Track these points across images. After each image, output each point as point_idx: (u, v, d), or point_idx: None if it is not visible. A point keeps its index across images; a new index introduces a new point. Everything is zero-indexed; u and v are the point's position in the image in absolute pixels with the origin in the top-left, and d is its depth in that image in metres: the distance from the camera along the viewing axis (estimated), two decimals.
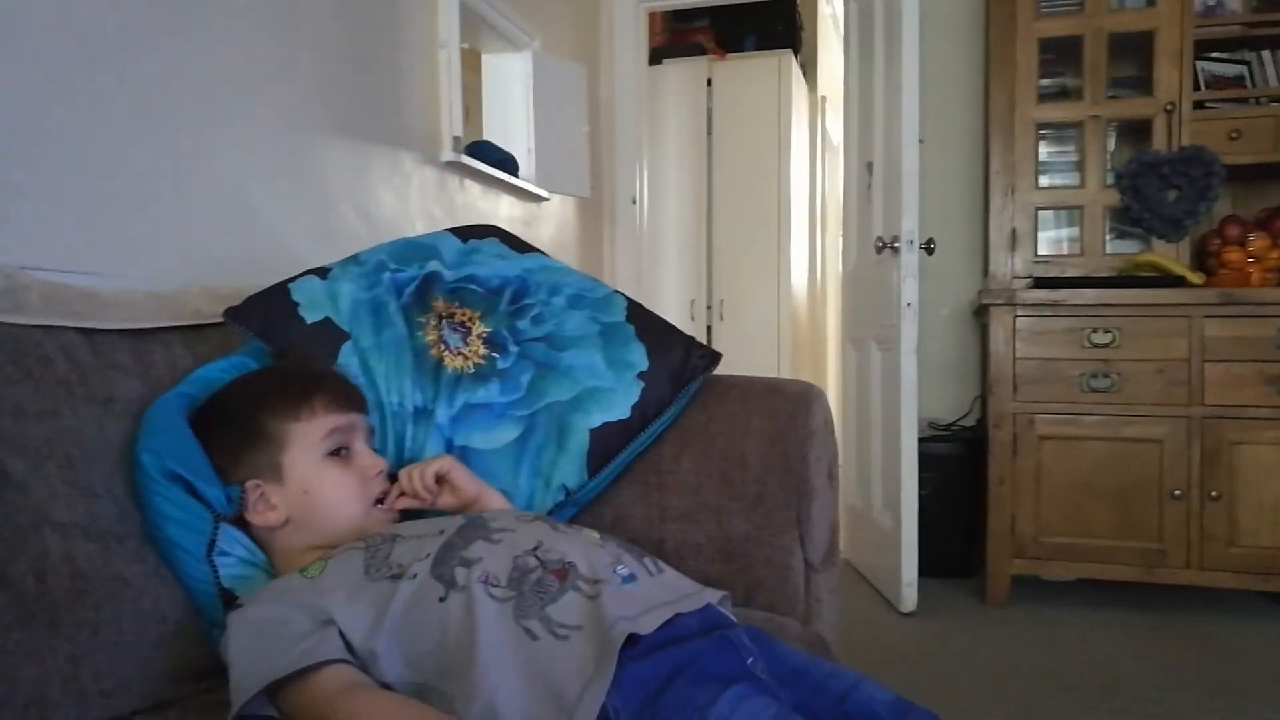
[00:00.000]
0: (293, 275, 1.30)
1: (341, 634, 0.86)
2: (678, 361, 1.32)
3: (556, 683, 0.80)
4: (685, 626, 0.88)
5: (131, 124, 1.44)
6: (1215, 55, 3.07)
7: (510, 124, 2.96)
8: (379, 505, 1.11)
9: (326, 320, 1.24)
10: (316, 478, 1.06)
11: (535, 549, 0.92)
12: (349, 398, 1.13)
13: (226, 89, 1.65)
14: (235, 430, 1.06)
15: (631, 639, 0.82)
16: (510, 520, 0.99)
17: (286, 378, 1.11)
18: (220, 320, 1.25)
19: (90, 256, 1.35)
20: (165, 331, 1.20)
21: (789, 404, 1.32)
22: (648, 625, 0.84)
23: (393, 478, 1.16)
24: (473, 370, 1.27)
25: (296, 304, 1.24)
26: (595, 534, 1.00)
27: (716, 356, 1.36)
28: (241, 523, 1.05)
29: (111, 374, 1.08)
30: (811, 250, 5.36)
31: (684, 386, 1.32)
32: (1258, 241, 2.84)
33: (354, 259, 1.34)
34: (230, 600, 0.98)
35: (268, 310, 1.23)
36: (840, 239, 3.92)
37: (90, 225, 1.37)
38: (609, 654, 0.80)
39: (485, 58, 2.97)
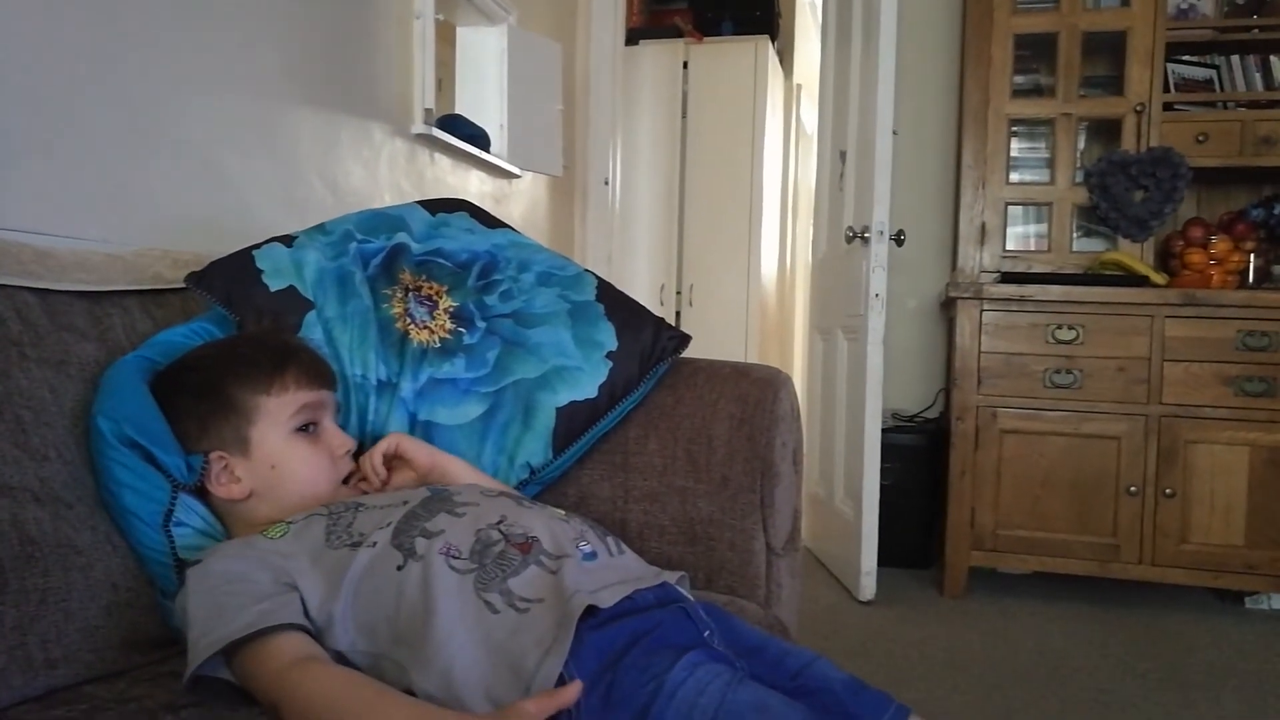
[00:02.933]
0: (257, 242, 1.27)
1: (301, 600, 0.85)
2: (647, 342, 1.32)
3: (515, 653, 0.79)
4: (643, 599, 0.89)
5: (97, 84, 1.40)
6: (1186, 58, 3.11)
7: (483, 99, 2.92)
8: (345, 485, 1.09)
9: (291, 289, 1.22)
10: (285, 454, 1.05)
11: (499, 523, 0.91)
12: (320, 373, 1.11)
13: (196, 51, 1.61)
14: (201, 399, 1.04)
15: (590, 611, 0.82)
16: (475, 495, 0.98)
17: (258, 349, 1.08)
18: (181, 285, 1.22)
19: (47, 215, 1.32)
20: (123, 295, 1.17)
21: (756, 388, 1.31)
22: (607, 599, 0.84)
23: (357, 450, 1.14)
24: (438, 345, 1.25)
25: (261, 271, 1.22)
26: (560, 511, 1.00)
27: (685, 338, 1.35)
28: (200, 493, 1.03)
29: (66, 336, 1.05)
30: (782, 238, 5.37)
31: (652, 368, 1.31)
32: (1220, 244, 2.88)
33: (320, 228, 1.32)
34: (185, 570, 0.96)
35: (231, 276, 1.21)
36: (811, 228, 3.93)
37: (48, 183, 1.33)
38: (567, 624, 0.80)
39: (460, 30, 2.93)
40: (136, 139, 1.49)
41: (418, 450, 1.14)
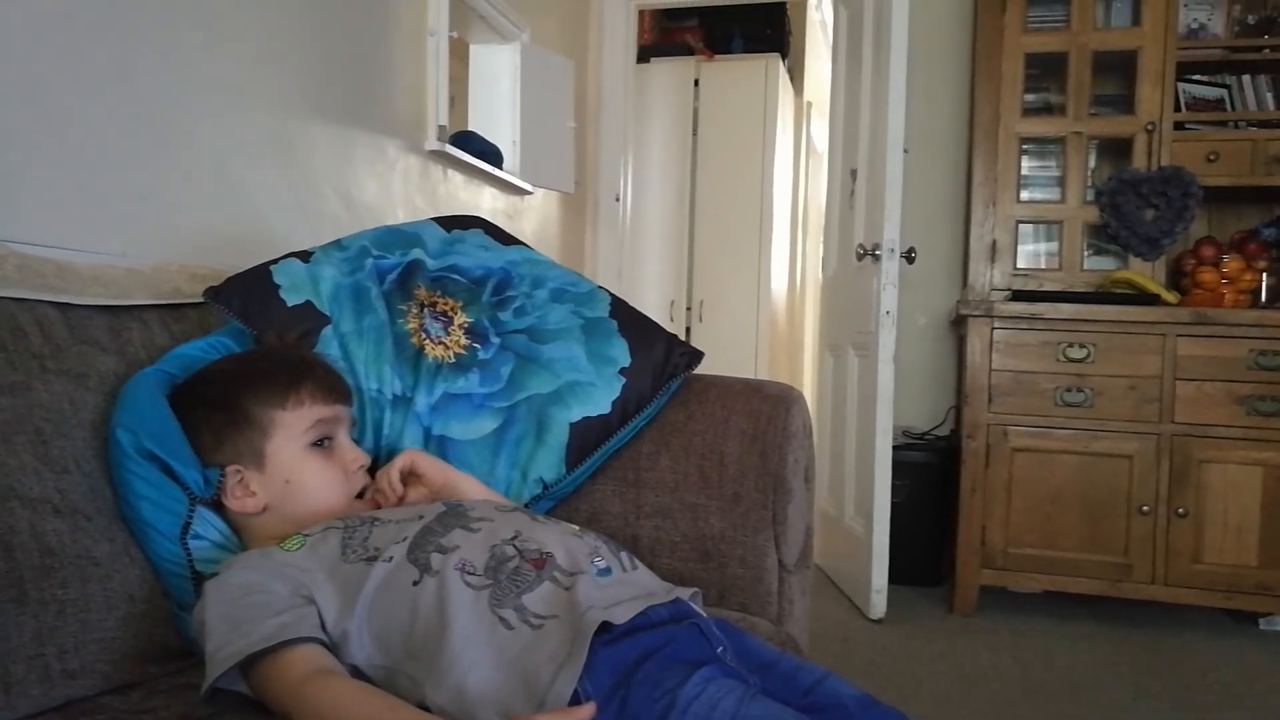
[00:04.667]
0: (274, 257, 1.28)
1: (317, 613, 0.86)
2: (659, 358, 1.32)
3: (529, 670, 0.80)
4: (656, 615, 0.89)
5: (117, 99, 1.42)
6: (1196, 77, 3.12)
7: (496, 116, 2.94)
8: (359, 499, 1.10)
9: (307, 304, 1.23)
10: (299, 468, 1.05)
11: (513, 539, 0.92)
12: (335, 388, 1.12)
13: (214, 66, 1.63)
14: (218, 412, 1.05)
15: (604, 626, 0.82)
16: (489, 510, 0.98)
17: (274, 363, 1.10)
18: (199, 300, 1.24)
19: (68, 230, 1.33)
20: (143, 309, 1.19)
21: (769, 405, 1.32)
22: (620, 616, 0.84)
23: (372, 470, 1.15)
24: (453, 360, 1.26)
25: (278, 286, 1.23)
26: (574, 527, 1.01)
27: (698, 355, 1.36)
28: (217, 506, 1.04)
29: (86, 349, 1.06)
30: (792, 255, 5.38)
31: (665, 384, 1.32)
32: (1232, 263, 2.88)
33: (337, 244, 1.33)
34: (202, 582, 0.96)
35: (248, 291, 1.22)
36: (821, 245, 3.93)
37: (68, 198, 1.34)
38: (582, 640, 0.80)
39: (473, 48, 2.95)
40: (155, 154, 1.51)
41: (431, 467, 1.14)
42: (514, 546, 0.90)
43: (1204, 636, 2.69)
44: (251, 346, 1.18)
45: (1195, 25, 3.11)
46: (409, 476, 1.13)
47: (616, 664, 0.81)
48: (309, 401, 1.06)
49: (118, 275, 1.18)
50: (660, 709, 0.77)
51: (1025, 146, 3.20)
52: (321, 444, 1.08)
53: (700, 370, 1.38)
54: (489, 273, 1.35)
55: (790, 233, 5.30)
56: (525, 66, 2.93)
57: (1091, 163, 3.21)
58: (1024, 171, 3.22)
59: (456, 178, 2.63)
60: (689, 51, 4.71)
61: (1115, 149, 3.18)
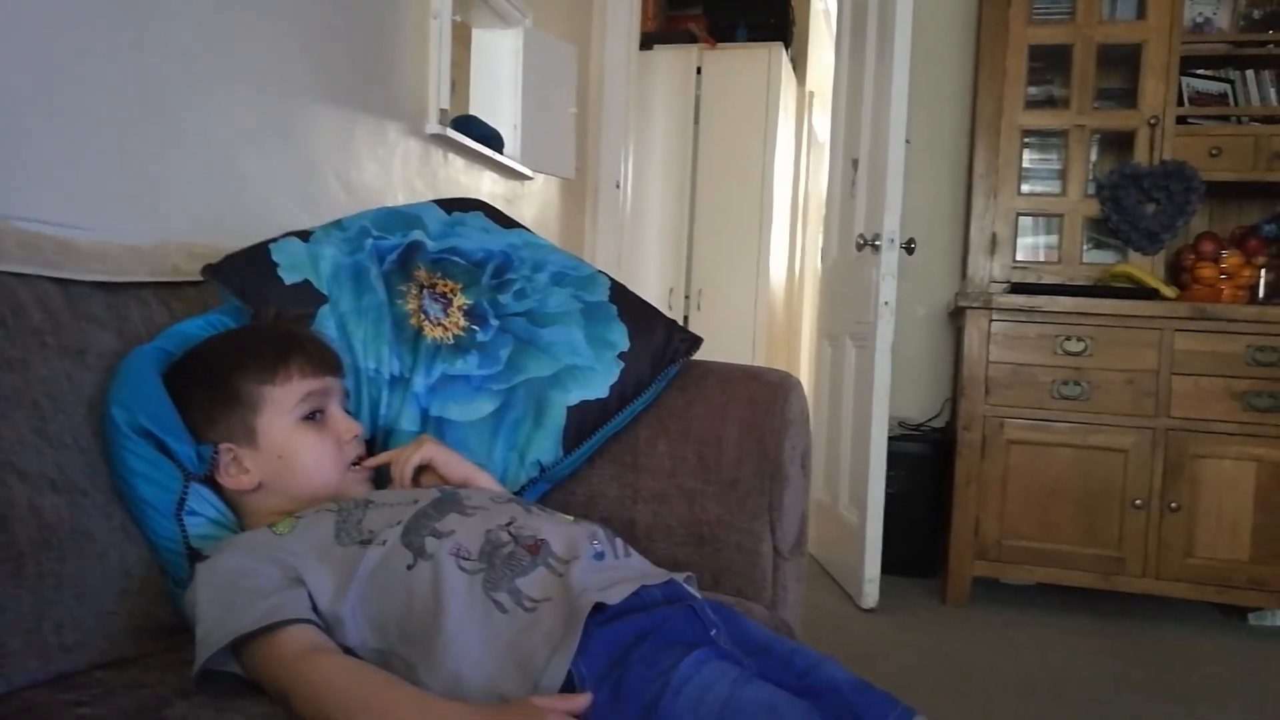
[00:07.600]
0: (274, 236, 1.28)
1: (309, 596, 0.86)
2: (659, 343, 1.32)
3: (524, 652, 0.80)
4: (651, 596, 0.89)
5: (117, 77, 1.41)
6: (1200, 72, 3.11)
7: (497, 100, 2.93)
8: (354, 468, 1.10)
9: (306, 282, 1.23)
10: (291, 442, 1.05)
11: (508, 525, 0.92)
12: (324, 360, 1.11)
13: (214, 46, 1.63)
14: (208, 391, 1.05)
15: (598, 607, 0.83)
16: (484, 499, 0.99)
17: (262, 339, 1.10)
18: (198, 279, 1.23)
19: (68, 207, 1.33)
20: (142, 286, 1.18)
21: (767, 392, 1.32)
22: (615, 597, 0.85)
23: (368, 443, 1.15)
24: (452, 341, 1.26)
25: (276, 264, 1.23)
26: (568, 516, 1.01)
27: (697, 340, 1.36)
28: (212, 482, 1.04)
29: (86, 326, 1.06)
30: (791, 244, 5.37)
31: (664, 369, 1.32)
32: (1231, 259, 2.88)
33: (337, 224, 1.33)
34: (197, 559, 0.97)
35: (247, 269, 1.22)
36: (821, 235, 3.93)
37: (69, 176, 1.34)
38: (576, 621, 0.80)
39: (475, 32, 2.94)
40: (156, 133, 1.50)
41: (451, 464, 1.12)
42: (509, 532, 0.91)
43: (1194, 631, 2.70)
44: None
45: (1200, 19, 3.10)
46: (425, 471, 1.12)
47: (611, 645, 0.81)
48: (298, 375, 1.06)
49: (118, 252, 1.17)
50: (654, 690, 0.77)
51: (1027, 139, 3.20)
52: (313, 417, 1.08)
53: (697, 358, 1.38)
54: (489, 255, 1.35)
55: (790, 222, 5.29)
56: (528, 51, 2.92)
57: (1093, 156, 3.21)
58: (1025, 164, 3.22)
59: (457, 162, 2.62)
60: (692, 39, 4.70)
61: (1117, 143, 3.17)
